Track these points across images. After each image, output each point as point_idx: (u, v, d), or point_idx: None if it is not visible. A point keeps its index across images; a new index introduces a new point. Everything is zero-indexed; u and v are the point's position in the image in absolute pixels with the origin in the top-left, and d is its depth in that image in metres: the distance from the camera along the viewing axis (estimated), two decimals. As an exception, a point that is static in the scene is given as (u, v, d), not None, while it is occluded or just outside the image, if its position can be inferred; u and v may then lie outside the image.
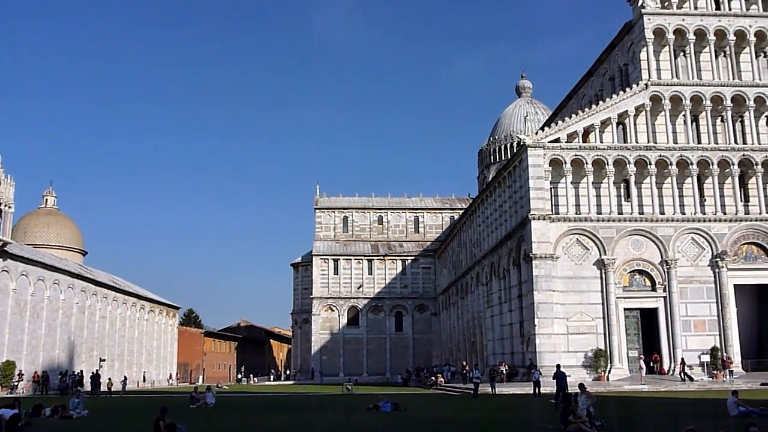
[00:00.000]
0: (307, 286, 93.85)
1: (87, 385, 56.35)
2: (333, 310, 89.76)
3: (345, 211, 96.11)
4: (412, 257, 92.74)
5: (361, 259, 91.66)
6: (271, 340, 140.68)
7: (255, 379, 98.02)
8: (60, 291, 64.07)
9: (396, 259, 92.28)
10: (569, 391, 26.42)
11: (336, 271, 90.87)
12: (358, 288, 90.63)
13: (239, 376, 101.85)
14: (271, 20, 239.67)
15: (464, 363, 61.54)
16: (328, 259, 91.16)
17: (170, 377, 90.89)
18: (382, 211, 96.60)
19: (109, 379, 60.96)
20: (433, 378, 61.14)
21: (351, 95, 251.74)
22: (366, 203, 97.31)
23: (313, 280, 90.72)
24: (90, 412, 29.03)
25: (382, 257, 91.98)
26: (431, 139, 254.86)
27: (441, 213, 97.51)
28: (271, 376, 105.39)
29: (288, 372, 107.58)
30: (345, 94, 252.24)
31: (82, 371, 61.94)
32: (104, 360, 67.51)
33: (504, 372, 47.85)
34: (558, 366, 33.97)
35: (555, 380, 31.50)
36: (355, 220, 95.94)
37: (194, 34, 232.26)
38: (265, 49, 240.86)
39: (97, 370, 60.10)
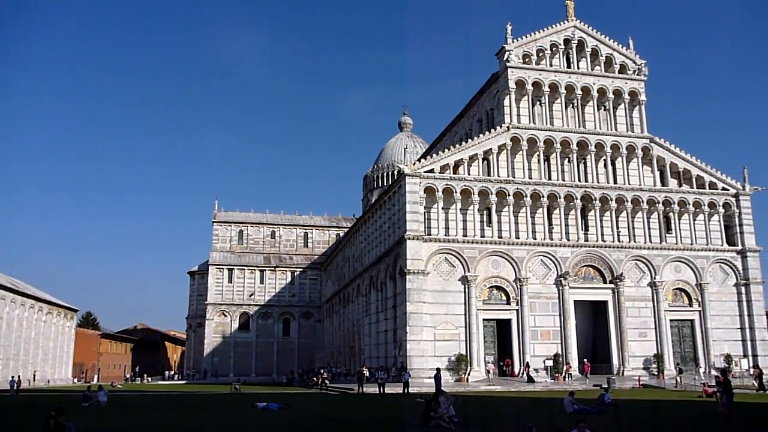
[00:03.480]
0: (203, 292, 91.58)
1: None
2: (226, 316, 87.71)
3: (241, 225, 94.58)
4: (301, 269, 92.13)
5: (254, 270, 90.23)
6: (166, 342, 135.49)
7: (148, 378, 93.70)
8: (-44, 292, 58.96)
9: (286, 271, 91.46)
10: (438, 391, 26.93)
11: (230, 280, 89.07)
12: (250, 296, 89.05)
13: (127, 376, 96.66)
14: (182, 51, 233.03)
15: (322, 371, 60.29)
16: (223, 268, 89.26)
17: (76, 376, 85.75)
18: (275, 226, 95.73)
19: (19, 376, 56.36)
20: (315, 379, 60.42)
21: (252, 120, 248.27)
22: (261, 218, 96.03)
23: (208, 288, 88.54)
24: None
25: (273, 268, 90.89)
26: (323, 163, 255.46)
27: (328, 230, 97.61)
28: (166, 376, 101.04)
29: (181, 372, 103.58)
30: (247, 119, 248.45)
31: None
32: (-2, 359, 62.59)
33: (365, 374, 46.88)
34: (438, 369, 35.05)
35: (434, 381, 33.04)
36: (250, 234, 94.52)
37: (110, 61, 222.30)
38: (176, 73, 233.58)
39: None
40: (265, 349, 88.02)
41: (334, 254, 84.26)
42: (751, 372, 46.02)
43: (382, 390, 38.12)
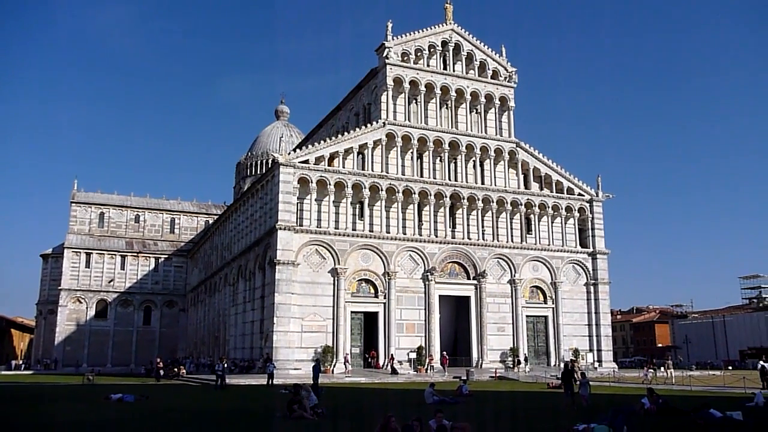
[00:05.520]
0: (56, 277, 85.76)
1: None
2: (81, 302, 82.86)
3: (102, 207, 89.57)
4: (166, 256, 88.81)
5: (115, 255, 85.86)
6: (12, 330, 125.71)
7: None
8: None
9: (150, 257, 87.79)
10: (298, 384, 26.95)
11: (88, 265, 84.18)
12: (110, 282, 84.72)
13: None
14: (40, 21, 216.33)
15: (158, 360, 57.64)
16: (80, 252, 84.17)
17: None
18: (139, 210, 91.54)
19: None
20: (176, 369, 58.63)
21: (118, 98, 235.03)
22: (124, 201, 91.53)
23: (63, 272, 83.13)
24: None
25: (136, 254, 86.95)
26: (194, 148, 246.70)
27: (197, 216, 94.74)
28: (11, 366, 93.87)
29: (29, 362, 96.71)
30: (112, 96, 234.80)
31: None
32: None
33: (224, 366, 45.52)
34: (317, 360, 35.02)
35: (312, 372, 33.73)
36: (112, 217, 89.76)
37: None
38: (33, 43, 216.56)
39: None
40: (124, 338, 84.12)
41: (202, 242, 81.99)
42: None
43: (220, 382, 36.65)
